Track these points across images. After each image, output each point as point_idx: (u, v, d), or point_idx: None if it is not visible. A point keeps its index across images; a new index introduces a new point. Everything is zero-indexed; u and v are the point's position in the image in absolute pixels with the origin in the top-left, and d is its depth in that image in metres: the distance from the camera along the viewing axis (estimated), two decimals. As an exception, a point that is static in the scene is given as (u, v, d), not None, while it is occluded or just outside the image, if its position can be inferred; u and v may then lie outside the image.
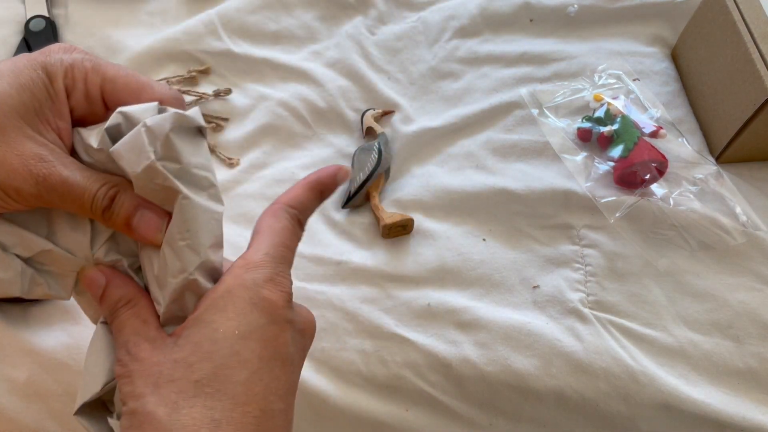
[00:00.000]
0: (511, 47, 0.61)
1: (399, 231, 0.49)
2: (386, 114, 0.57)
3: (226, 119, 0.58)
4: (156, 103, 0.27)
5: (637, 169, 0.50)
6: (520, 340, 0.45)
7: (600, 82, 0.58)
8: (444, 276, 0.48)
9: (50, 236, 0.29)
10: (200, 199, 0.27)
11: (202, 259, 0.27)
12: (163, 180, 0.26)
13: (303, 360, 0.28)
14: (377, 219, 0.50)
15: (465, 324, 0.46)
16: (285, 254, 0.28)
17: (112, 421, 0.28)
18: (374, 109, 0.56)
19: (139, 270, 0.30)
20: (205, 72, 0.61)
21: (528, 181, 0.52)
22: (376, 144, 0.53)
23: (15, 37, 0.63)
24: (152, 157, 0.25)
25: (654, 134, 0.52)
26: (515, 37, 0.63)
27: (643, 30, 0.62)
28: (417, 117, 0.57)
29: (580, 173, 0.52)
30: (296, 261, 0.49)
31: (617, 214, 0.50)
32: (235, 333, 0.25)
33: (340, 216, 0.52)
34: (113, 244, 0.30)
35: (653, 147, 0.50)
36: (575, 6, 0.63)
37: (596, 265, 0.48)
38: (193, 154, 0.27)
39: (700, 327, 0.46)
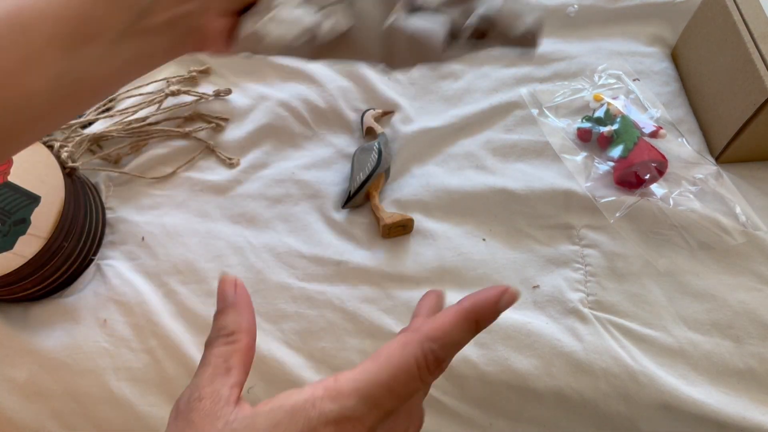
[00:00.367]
0: (511, 47, 0.61)
1: (399, 231, 0.49)
2: (386, 114, 0.57)
3: (226, 119, 0.58)
4: None
5: (637, 169, 0.50)
6: (520, 340, 0.45)
7: (600, 82, 0.58)
8: (444, 276, 0.48)
9: None
10: None
11: None
12: None
13: None
14: (377, 219, 0.50)
15: (465, 324, 0.46)
16: (381, 401, 0.23)
17: None
18: (374, 109, 0.56)
19: None
20: (206, 72, 0.61)
21: (528, 181, 0.52)
22: (376, 144, 0.53)
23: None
24: None
25: (654, 134, 0.52)
26: (515, 37, 0.63)
27: (643, 30, 0.62)
28: (417, 117, 0.57)
29: (580, 173, 0.52)
30: (296, 261, 0.49)
31: (617, 214, 0.50)
32: None
33: (340, 216, 0.52)
34: None
35: (653, 147, 0.50)
36: (575, 6, 0.63)
37: (596, 265, 0.48)
38: None
39: (700, 327, 0.46)
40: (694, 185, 0.51)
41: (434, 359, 0.24)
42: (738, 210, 0.50)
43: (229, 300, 0.26)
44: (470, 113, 0.56)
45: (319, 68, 0.60)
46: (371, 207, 0.51)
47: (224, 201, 0.53)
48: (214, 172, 0.55)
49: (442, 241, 0.50)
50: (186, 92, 0.58)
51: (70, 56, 0.28)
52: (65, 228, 0.46)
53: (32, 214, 0.45)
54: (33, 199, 0.46)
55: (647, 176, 0.50)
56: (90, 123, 0.56)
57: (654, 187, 0.50)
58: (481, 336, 0.45)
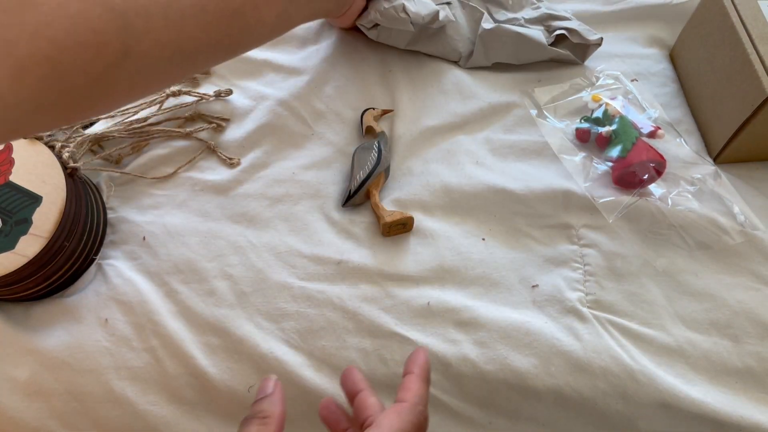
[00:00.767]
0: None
1: (399, 229, 0.50)
2: (386, 113, 0.57)
3: (226, 119, 0.58)
4: None
5: (635, 169, 0.50)
6: (519, 339, 0.45)
7: (598, 83, 0.58)
8: (444, 275, 0.48)
9: None
10: None
11: None
12: None
13: None
14: (377, 217, 0.50)
15: (464, 323, 0.46)
16: None
17: None
18: (374, 108, 0.56)
19: None
20: (206, 73, 0.61)
21: (527, 181, 0.52)
22: (375, 143, 0.53)
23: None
24: None
25: (652, 134, 0.53)
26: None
27: (641, 31, 0.63)
28: (416, 116, 0.57)
29: (579, 173, 0.52)
30: (296, 260, 0.49)
31: (616, 214, 0.50)
32: None
33: (340, 215, 0.52)
34: None
35: (651, 147, 0.50)
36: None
37: (595, 264, 0.48)
38: None
39: (699, 326, 0.46)
40: (693, 185, 0.51)
41: (424, 416, 0.32)
42: (736, 210, 0.50)
43: (268, 391, 0.32)
44: (469, 113, 0.57)
45: (318, 68, 0.60)
46: (371, 205, 0.51)
47: (225, 201, 0.53)
48: (214, 172, 0.55)
49: (441, 241, 0.50)
50: (187, 93, 0.58)
51: (290, 2, 0.44)
52: (67, 228, 0.46)
53: (34, 213, 0.46)
54: (34, 199, 0.46)
55: (646, 176, 0.50)
56: (91, 123, 0.56)
57: (652, 187, 0.51)
58: (481, 335, 0.45)
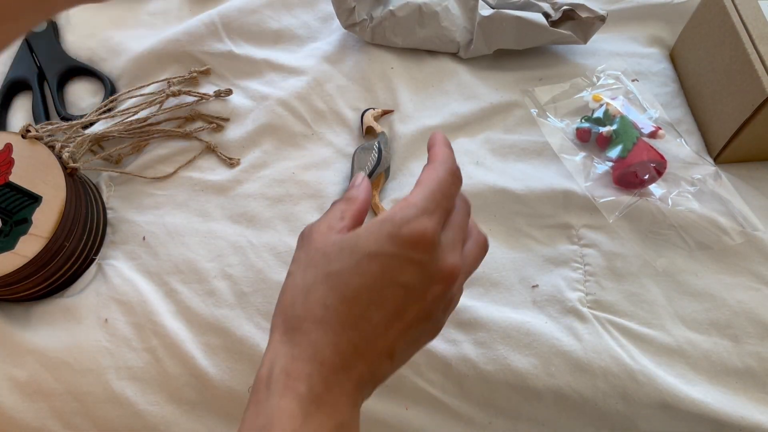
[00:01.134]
0: (510, 48, 0.61)
1: (399, 231, 0.50)
2: (386, 113, 0.57)
3: (226, 119, 0.58)
4: None
5: (635, 169, 0.50)
6: (519, 339, 0.45)
7: (599, 83, 0.58)
8: (443, 275, 0.48)
9: None
10: None
11: None
12: None
13: (432, 304, 0.32)
14: (377, 219, 0.50)
15: (464, 323, 0.46)
16: (439, 199, 0.31)
17: None
18: (374, 109, 0.56)
19: None
20: (206, 73, 0.61)
21: (527, 181, 0.52)
22: (375, 143, 0.53)
23: (16, 38, 0.63)
24: None
25: (652, 135, 0.53)
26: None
27: (641, 31, 0.62)
28: (416, 116, 0.57)
29: (579, 173, 0.52)
30: (296, 260, 0.49)
31: (616, 214, 0.50)
32: (366, 252, 0.30)
33: (340, 216, 0.52)
34: None
35: (652, 147, 0.50)
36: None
37: (595, 264, 0.48)
38: None
39: (699, 326, 0.46)
40: (693, 185, 0.51)
41: (457, 167, 0.34)
42: (736, 210, 0.50)
43: (357, 182, 0.35)
44: (469, 112, 0.57)
45: (318, 67, 0.60)
46: (371, 206, 0.51)
47: (225, 201, 0.53)
48: (214, 172, 0.55)
49: (441, 241, 0.50)
50: (187, 93, 0.58)
51: None
52: (67, 228, 0.46)
53: (34, 214, 0.46)
54: (34, 199, 0.46)
55: (646, 176, 0.50)
56: (91, 123, 0.56)
57: (653, 188, 0.51)
58: (480, 335, 0.45)
